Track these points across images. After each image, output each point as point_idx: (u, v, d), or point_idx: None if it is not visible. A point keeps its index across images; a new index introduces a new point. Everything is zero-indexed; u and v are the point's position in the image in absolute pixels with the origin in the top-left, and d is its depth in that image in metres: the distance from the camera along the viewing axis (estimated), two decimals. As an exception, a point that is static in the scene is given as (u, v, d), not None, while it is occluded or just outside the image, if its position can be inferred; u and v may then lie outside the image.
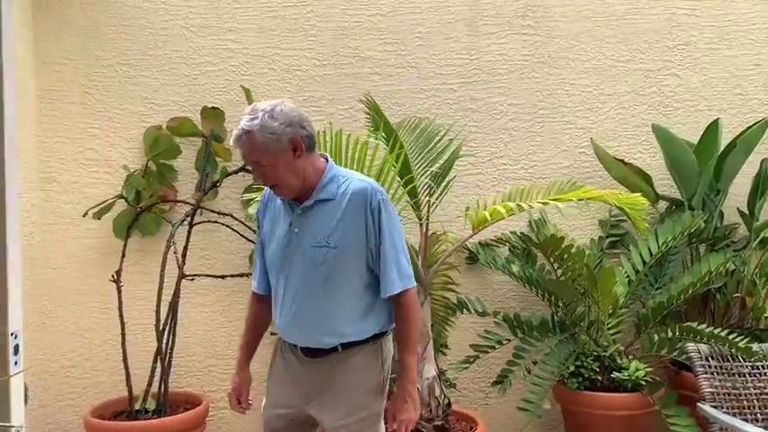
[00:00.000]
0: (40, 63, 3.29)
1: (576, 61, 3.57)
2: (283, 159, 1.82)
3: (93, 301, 3.37)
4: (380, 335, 1.97)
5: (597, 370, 3.09)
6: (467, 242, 3.25)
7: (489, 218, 2.80)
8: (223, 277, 3.14)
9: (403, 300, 1.91)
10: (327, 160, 1.96)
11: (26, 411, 3.22)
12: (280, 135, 1.80)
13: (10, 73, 2.63)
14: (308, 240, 1.89)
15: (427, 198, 3.06)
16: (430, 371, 2.87)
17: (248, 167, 3.24)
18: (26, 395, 3.19)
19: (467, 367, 3.20)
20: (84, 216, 3.15)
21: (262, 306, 2.10)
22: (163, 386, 3.13)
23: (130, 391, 3.10)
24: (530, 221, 3.51)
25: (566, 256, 3.15)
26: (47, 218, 3.32)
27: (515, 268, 3.32)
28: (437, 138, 3.16)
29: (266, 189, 2.04)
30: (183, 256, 3.16)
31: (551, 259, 3.28)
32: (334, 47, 3.47)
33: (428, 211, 3.07)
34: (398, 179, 2.84)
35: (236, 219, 3.24)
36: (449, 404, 2.93)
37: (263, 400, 2.10)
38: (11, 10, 2.35)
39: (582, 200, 2.83)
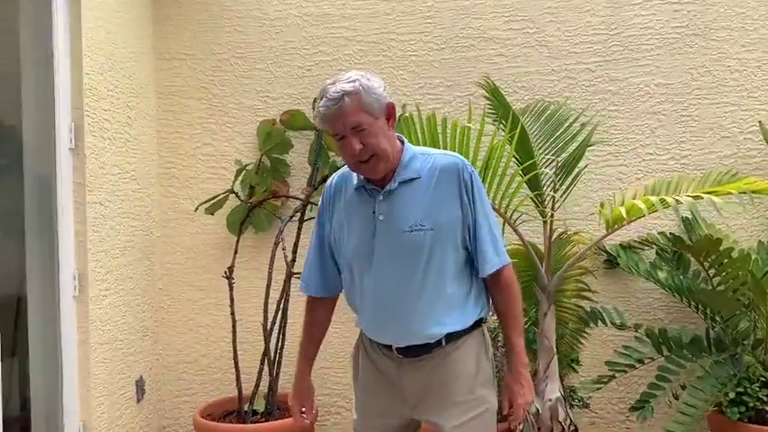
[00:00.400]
0: (159, 59, 3.32)
1: (739, 31, 3.01)
2: (381, 125, 1.66)
3: (210, 298, 3.35)
4: (481, 320, 1.80)
5: (765, 399, 2.56)
6: (604, 244, 2.84)
7: (626, 215, 2.39)
8: (331, 277, 2.96)
9: (502, 277, 1.76)
10: (403, 142, 1.76)
11: (143, 406, 3.27)
12: (380, 97, 1.65)
13: (61, 66, 2.64)
14: (399, 226, 1.68)
15: (551, 193, 2.69)
16: (553, 391, 2.50)
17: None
18: (143, 390, 3.23)
19: (599, 388, 2.79)
20: (195, 211, 3.13)
21: (321, 311, 1.93)
22: (271, 388, 3.03)
23: (240, 392, 3.03)
24: (681, 220, 3.01)
25: (725, 261, 2.64)
26: (166, 213, 3.35)
27: (662, 275, 2.86)
28: (566, 124, 2.78)
29: (330, 183, 1.85)
30: (294, 253, 3.04)
31: (707, 265, 2.77)
32: (454, 28, 3.19)
33: (552, 207, 2.70)
34: (514, 166, 2.51)
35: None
36: (575, 430, 2.54)
37: (354, 413, 1.89)
38: (64, 6, 2.29)
39: (745, 193, 2.33)
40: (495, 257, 1.72)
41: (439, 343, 1.72)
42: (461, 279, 1.74)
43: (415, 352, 1.73)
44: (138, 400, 3.12)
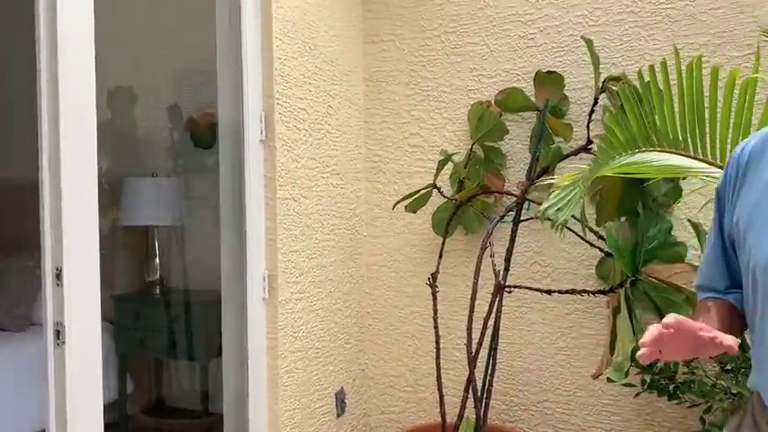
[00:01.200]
0: (367, 42, 3.03)
1: None
2: None
3: (416, 305, 2.98)
4: None
5: None
6: None
7: None
8: (549, 293, 2.39)
9: None
10: None
11: (344, 421, 3.01)
12: None
13: (249, 51, 2.39)
14: None
15: None
16: None
17: (590, 146, 2.44)
18: (343, 402, 2.98)
19: None
20: (392, 209, 2.77)
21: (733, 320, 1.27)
22: (479, 419, 2.55)
23: (443, 419, 2.61)
24: None
25: None
26: (372, 210, 3.06)
27: None
28: None
29: (742, 149, 1.26)
30: (507, 261, 2.52)
31: None
32: (726, -33, 2.39)
33: None
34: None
35: (575, 218, 2.45)
36: None
37: None
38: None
39: None
40: None
41: None
42: None
43: None
44: (339, 415, 2.86)
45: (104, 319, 3.58)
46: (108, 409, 3.41)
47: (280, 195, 2.46)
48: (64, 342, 1.72)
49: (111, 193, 3.62)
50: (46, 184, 1.73)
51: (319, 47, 2.69)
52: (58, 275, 1.72)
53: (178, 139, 3.48)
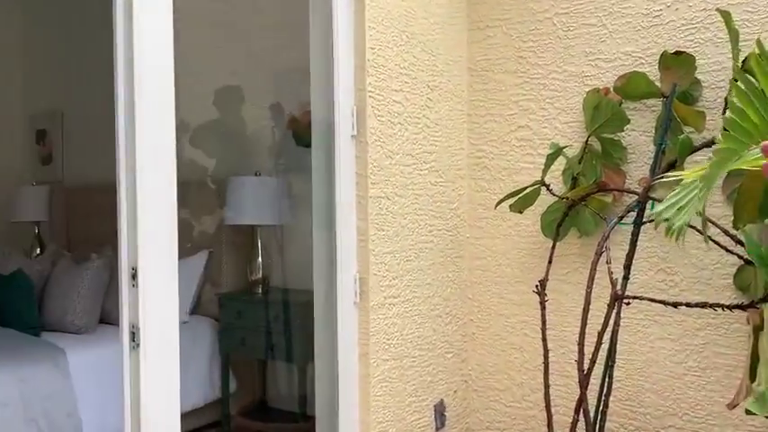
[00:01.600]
0: (472, 29, 2.82)
1: None
2: None
3: (524, 315, 2.74)
4: None
5: None
6: None
7: None
8: (676, 305, 2.06)
9: None
10: None
11: (443, 436, 2.82)
12: None
13: (341, 40, 2.19)
14: None
15: None
16: None
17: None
18: (443, 416, 2.78)
19: None
20: (495, 208, 2.53)
21: None
22: (592, 445, 2.27)
23: (551, 442, 2.35)
24: None
25: None
26: (475, 210, 2.84)
27: None
28: None
29: None
30: (626, 269, 2.22)
31: None
32: None
33: None
34: None
35: (710, 220, 2.11)
36: None
37: None
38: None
39: None
40: None
41: None
42: None
43: None
44: (438, 429, 2.68)
45: (210, 315, 3.65)
46: (210, 408, 3.47)
47: (372, 194, 2.31)
48: (138, 345, 1.67)
49: (217, 192, 3.66)
50: (122, 183, 1.68)
51: (417, 35, 2.52)
52: (134, 275, 1.67)
53: (280, 138, 3.44)
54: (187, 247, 3.76)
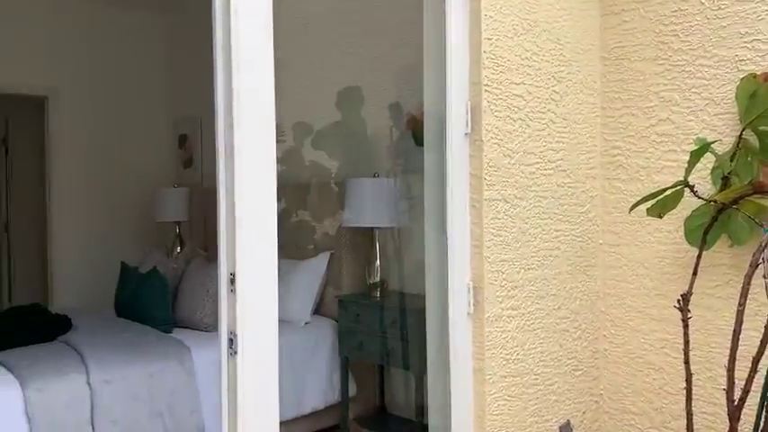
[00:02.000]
0: (605, 14, 2.55)
1: None
2: None
3: (664, 332, 2.43)
4: None
5: None
6: None
7: None
8: None
9: None
10: None
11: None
12: None
13: (453, 29, 2.02)
14: None
15: None
16: None
17: None
18: (569, 439, 2.54)
19: None
20: (630, 212, 2.24)
21: None
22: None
23: (694, 479, 2.05)
24: None
25: None
26: (610, 214, 2.57)
27: None
28: None
29: None
30: (790, 282, 1.88)
31: None
32: None
33: None
34: None
35: None
36: None
37: None
38: None
39: None
40: None
41: None
42: None
43: None
44: (563, 451, 2.45)
45: (331, 317, 3.63)
46: (329, 411, 3.44)
47: (487, 196, 2.14)
48: (236, 352, 1.62)
49: (338, 194, 3.63)
50: (222, 186, 1.65)
51: (541, 22, 2.31)
52: (232, 281, 1.63)
53: (398, 138, 3.34)
54: (309, 248, 3.77)
